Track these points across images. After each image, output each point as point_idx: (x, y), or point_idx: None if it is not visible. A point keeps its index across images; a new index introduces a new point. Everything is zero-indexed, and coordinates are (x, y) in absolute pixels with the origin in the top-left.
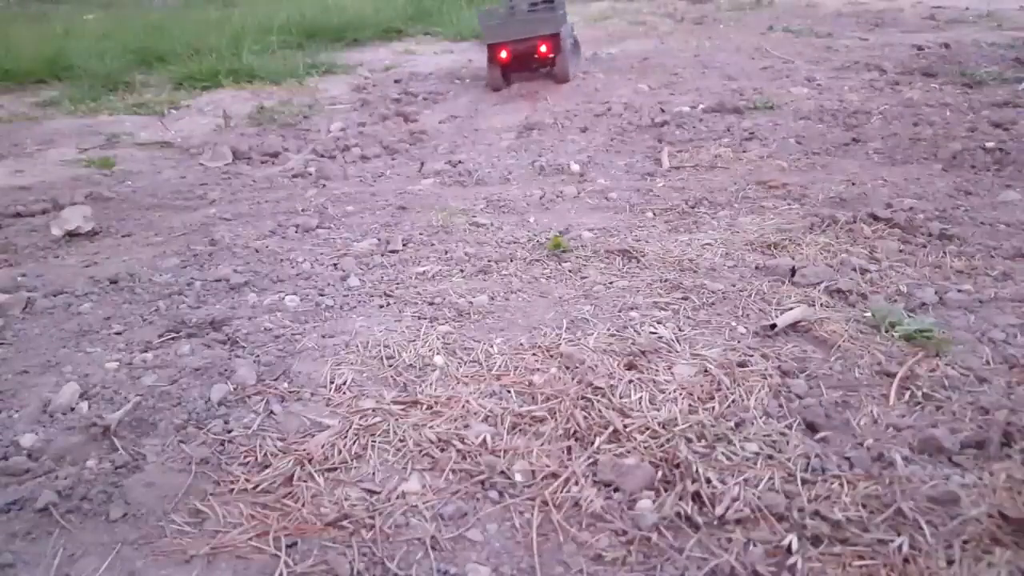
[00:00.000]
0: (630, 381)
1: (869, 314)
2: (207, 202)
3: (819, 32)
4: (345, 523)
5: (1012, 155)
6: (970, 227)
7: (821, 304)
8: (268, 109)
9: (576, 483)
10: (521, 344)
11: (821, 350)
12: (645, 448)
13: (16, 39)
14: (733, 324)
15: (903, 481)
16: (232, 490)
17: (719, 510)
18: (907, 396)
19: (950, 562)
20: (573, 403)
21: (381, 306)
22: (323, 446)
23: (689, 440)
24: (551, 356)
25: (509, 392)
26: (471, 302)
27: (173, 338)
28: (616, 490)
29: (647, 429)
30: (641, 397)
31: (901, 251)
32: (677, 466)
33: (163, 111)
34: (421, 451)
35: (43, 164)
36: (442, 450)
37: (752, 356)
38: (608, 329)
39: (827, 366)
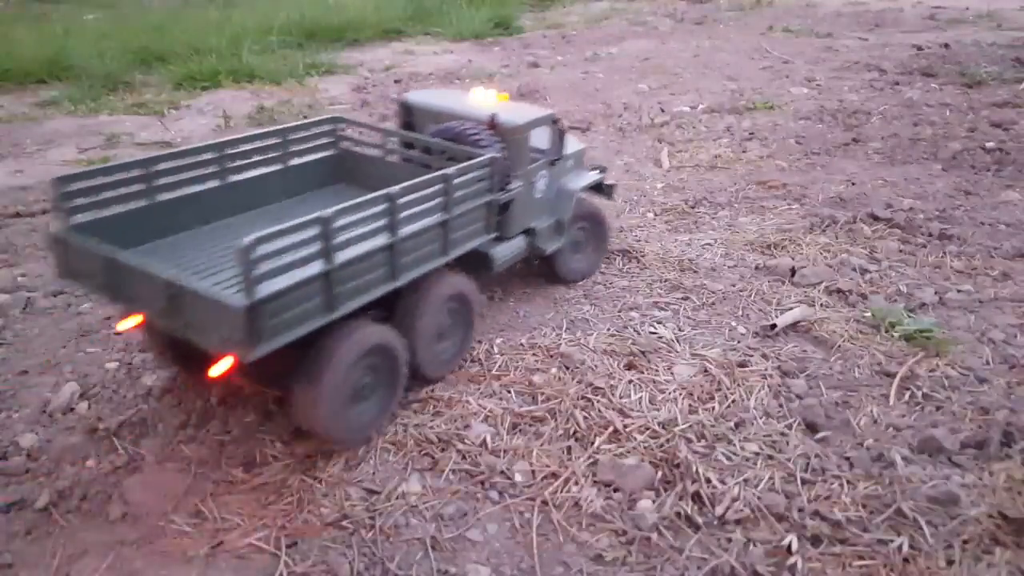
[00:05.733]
0: (630, 381)
1: (869, 314)
2: None
3: (819, 32)
4: (345, 523)
5: (1012, 155)
6: (970, 227)
7: (821, 304)
8: (268, 109)
9: (576, 483)
10: (521, 344)
11: (821, 350)
12: (645, 448)
13: (16, 39)
14: (733, 324)
15: (903, 481)
16: (232, 490)
17: (719, 510)
18: (907, 396)
19: (950, 562)
20: (573, 403)
21: None
22: (323, 446)
23: (689, 440)
24: (551, 356)
25: (509, 392)
26: None
27: None
28: (616, 490)
29: (647, 429)
30: (641, 397)
31: (901, 251)
32: (677, 466)
33: (163, 111)
34: (421, 451)
35: (43, 164)
36: (442, 450)
37: (752, 356)
38: (608, 329)
39: (827, 366)
